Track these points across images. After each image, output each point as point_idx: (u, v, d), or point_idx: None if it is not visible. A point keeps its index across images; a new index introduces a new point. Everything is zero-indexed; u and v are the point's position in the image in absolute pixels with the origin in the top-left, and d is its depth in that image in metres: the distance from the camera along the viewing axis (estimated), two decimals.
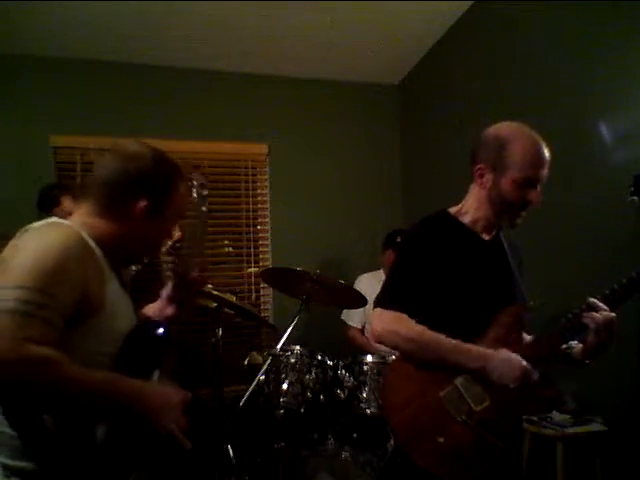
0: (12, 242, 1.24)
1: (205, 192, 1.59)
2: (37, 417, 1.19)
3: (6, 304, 1.10)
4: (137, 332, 1.36)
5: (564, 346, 1.68)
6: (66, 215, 1.42)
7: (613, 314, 1.56)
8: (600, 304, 1.57)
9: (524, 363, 1.56)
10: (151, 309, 1.58)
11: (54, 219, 1.32)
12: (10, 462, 1.21)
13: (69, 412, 1.21)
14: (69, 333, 1.19)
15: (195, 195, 1.57)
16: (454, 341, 1.59)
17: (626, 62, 2.57)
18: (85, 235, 1.28)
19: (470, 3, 3.63)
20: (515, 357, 1.58)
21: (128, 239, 1.38)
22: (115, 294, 1.33)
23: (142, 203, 1.36)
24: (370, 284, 3.30)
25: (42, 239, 1.22)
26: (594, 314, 1.56)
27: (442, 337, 1.59)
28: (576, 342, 1.68)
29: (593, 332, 1.57)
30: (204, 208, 1.58)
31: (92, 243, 1.29)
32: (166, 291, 1.56)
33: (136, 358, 1.34)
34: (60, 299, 1.15)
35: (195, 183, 1.57)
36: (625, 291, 1.56)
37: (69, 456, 1.22)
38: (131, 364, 1.31)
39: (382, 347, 3.04)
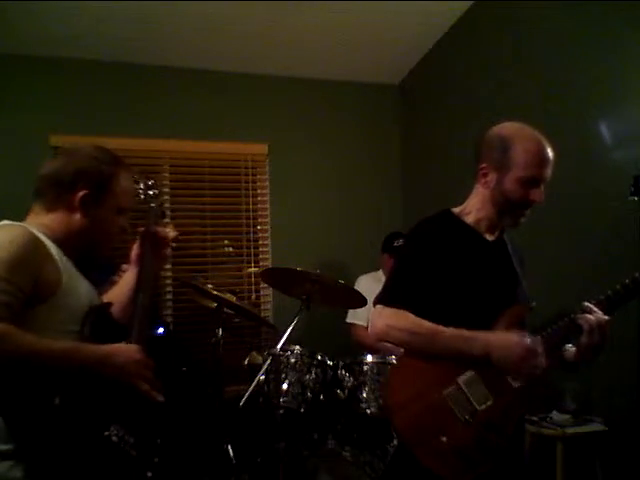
0: None
1: (152, 192, 1.75)
2: (15, 397, 1.29)
3: None
4: (95, 311, 1.49)
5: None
6: None
7: (606, 317, 1.57)
8: (594, 308, 1.58)
9: (528, 341, 1.56)
10: (124, 281, 1.70)
11: (4, 222, 1.45)
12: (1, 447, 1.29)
13: (35, 378, 1.29)
14: (34, 312, 1.35)
15: (142, 196, 1.75)
16: (455, 330, 1.59)
17: (626, 62, 2.57)
18: (36, 231, 1.43)
19: (470, 3, 3.63)
20: (517, 336, 1.58)
21: (77, 229, 1.51)
22: (72, 278, 1.46)
23: (81, 193, 1.49)
24: (369, 285, 3.30)
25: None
26: (588, 316, 1.57)
27: (442, 327, 1.60)
28: (570, 345, 1.68)
29: (586, 333, 1.57)
30: (153, 205, 1.76)
31: (43, 237, 1.44)
32: (134, 252, 1.70)
33: (98, 333, 1.45)
34: (20, 285, 1.31)
35: (141, 185, 1.74)
36: (619, 297, 1.58)
37: (46, 434, 1.30)
38: (94, 339, 1.43)
39: (388, 345, 3.05)
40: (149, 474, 1.40)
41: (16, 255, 1.33)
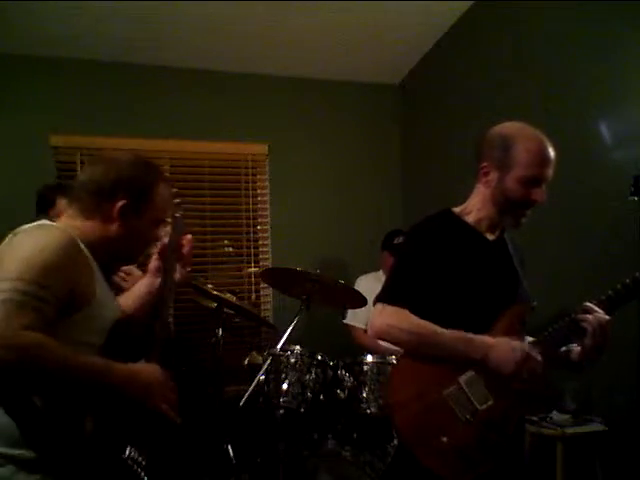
0: (4, 243, 1.34)
1: (174, 201, 1.70)
2: (30, 403, 1.25)
3: (4, 295, 1.20)
4: (121, 324, 1.46)
5: (563, 349, 1.69)
6: (60, 215, 1.53)
7: (607, 317, 1.57)
8: (595, 307, 1.58)
9: (525, 347, 1.57)
10: (139, 286, 1.67)
11: (43, 221, 1.42)
12: (7, 450, 1.25)
13: (63, 395, 1.27)
14: (64, 322, 1.29)
15: None
16: (455, 332, 1.59)
17: (626, 62, 2.57)
18: (74, 236, 1.38)
19: (470, 3, 3.63)
20: (516, 343, 1.58)
21: (112, 238, 1.47)
22: (103, 288, 1.43)
23: (120, 203, 1.46)
24: (369, 285, 3.30)
25: (36, 238, 1.32)
26: (589, 317, 1.57)
27: (442, 329, 1.60)
28: (575, 345, 1.68)
29: (590, 335, 1.57)
30: (177, 215, 1.70)
31: (80, 243, 1.39)
32: (153, 263, 1.66)
33: (121, 348, 1.42)
34: (53, 291, 1.25)
35: None
36: (620, 297, 1.58)
37: (64, 443, 1.26)
38: (116, 353, 1.38)
39: (387, 346, 3.05)
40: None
41: (53, 259, 1.27)
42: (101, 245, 1.45)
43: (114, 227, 1.46)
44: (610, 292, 1.59)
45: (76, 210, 1.46)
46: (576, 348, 1.68)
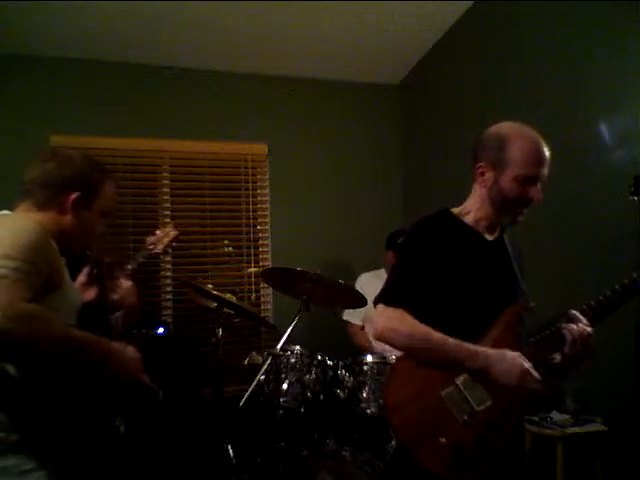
0: None
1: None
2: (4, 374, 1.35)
3: None
4: (87, 308, 1.64)
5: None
6: None
7: (589, 328, 1.58)
8: (580, 316, 1.59)
9: (525, 363, 1.56)
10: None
11: (4, 212, 1.55)
12: None
13: (53, 365, 1.38)
14: (46, 300, 1.40)
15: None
16: (455, 340, 1.59)
17: (626, 62, 2.57)
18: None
19: (470, 3, 3.63)
20: (516, 356, 1.58)
21: (66, 228, 1.60)
22: (67, 274, 1.57)
23: (74, 195, 1.59)
24: (371, 283, 3.30)
25: (13, 223, 1.46)
26: (572, 326, 1.57)
27: (444, 336, 1.59)
28: (559, 353, 1.68)
29: (569, 344, 1.58)
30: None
31: None
32: (81, 277, 1.82)
33: (90, 328, 1.54)
34: (39, 268, 1.38)
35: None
36: (605, 306, 1.59)
37: (45, 413, 1.37)
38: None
39: (380, 346, 3.05)
40: (143, 465, 1.50)
41: (33, 239, 1.40)
42: (57, 234, 1.57)
43: (67, 218, 1.59)
44: (592, 303, 1.60)
45: (29, 204, 1.57)
46: (558, 356, 1.68)
